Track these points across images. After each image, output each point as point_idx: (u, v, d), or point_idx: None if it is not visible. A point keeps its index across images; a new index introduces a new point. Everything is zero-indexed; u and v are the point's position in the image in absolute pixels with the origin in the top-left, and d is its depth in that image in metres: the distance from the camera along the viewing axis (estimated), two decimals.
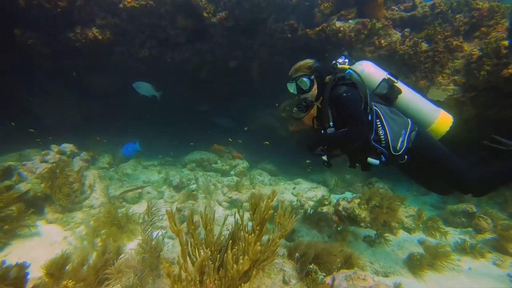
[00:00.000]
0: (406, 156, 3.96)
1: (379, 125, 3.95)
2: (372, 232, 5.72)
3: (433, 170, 4.09)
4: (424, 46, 7.21)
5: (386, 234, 5.57)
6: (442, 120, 4.14)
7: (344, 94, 3.87)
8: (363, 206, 5.55)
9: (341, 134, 3.80)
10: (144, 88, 8.44)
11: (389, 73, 4.24)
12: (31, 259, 4.37)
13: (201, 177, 8.54)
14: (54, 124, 10.65)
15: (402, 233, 6.19)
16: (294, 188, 7.92)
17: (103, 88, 10.17)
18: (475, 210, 6.51)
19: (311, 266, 3.71)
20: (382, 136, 3.93)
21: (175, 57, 9.46)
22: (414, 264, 4.82)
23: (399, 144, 3.89)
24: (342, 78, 4.17)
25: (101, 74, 9.96)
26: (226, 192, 7.64)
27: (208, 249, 2.61)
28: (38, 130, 10.42)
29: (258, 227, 2.77)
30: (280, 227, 2.83)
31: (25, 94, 11.15)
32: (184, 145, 11.23)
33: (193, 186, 8.43)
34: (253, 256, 2.30)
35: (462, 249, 5.45)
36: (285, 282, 3.36)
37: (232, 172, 9.51)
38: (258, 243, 2.43)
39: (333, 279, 3.50)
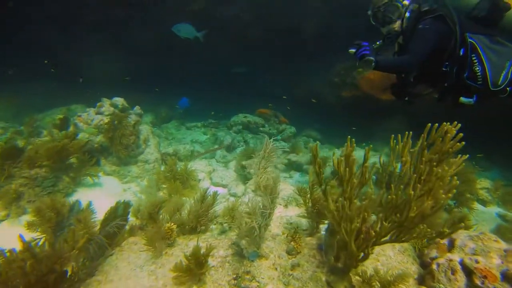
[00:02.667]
0: (509, 88, 3.44)
1: (475, 60, 3.42)
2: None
3: None
4: None
5: (472, 203, 5.15)
6: None
7: (421, 26, 3.45)
8: None
9: (395, 60, 3.57)
10: (185, 30, 7.80)
11: None
12: (97, 208, 4.21)
13: (250, 139, 8.19)
14: (96, 79, 10.36)
15: (477, 205, 5.78)
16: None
17: (148, 45, 9.71)
18: None
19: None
20: (479, 73, 3.40)
21: (225, 12, 8.81)
22: (505, 236, 4.44)
23: (501, 79, 3.33)
24: (427, 11, 3.67)
25: (148, 29, 9.45)
26: (280, 154, 7.28)
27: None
28: (80, 85, 10.17)
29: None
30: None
31: (66, 48, 10.82)
32: (224, 108, 10.85)
33: (242, 148, 8.12)
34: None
35: None
36: None
37: (279, 137, 9.14)
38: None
39: (452, 240, 3.15)
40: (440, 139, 2.25)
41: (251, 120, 9.14)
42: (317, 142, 2.74)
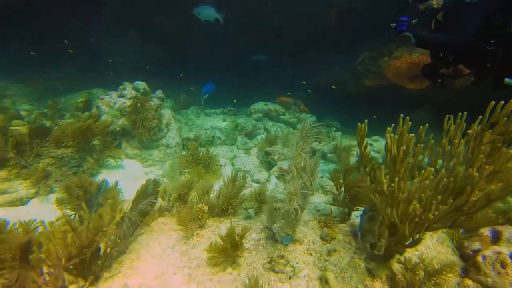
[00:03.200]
0: None
1: None
2: None
3: None
4: None
5: None
6: None
7: (469, 1, 3.23)
8: None
9: (445, 37, 3.33)
10: (205, 12, 7.60)
11: None
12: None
13: (271, 127, 8.03)
14: (118, 64, 10.35)
15: None
16: (371, 145, 7.27)
17: (168, 31, 9.58)
18: None
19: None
20: None
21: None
22: None
23: None
24: None
25: (169, 16, 9.31)
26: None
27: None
28: (101, 69, 10.18)
29: None
30: None
31: (88, 33, 10.82)
32: (243, 96, 10.69)
33: (263, 136, 7.97)
34: None
35: None
36: None
37: (299, 126, 8.91)
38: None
39: (497, 232, 2.95)
40: (506, 118, 2.04)
41: (272, 108, 8.95)
42: (365, 120, 2.55)
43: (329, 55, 9.86)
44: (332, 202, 3.79)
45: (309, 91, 9.02)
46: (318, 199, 4.70)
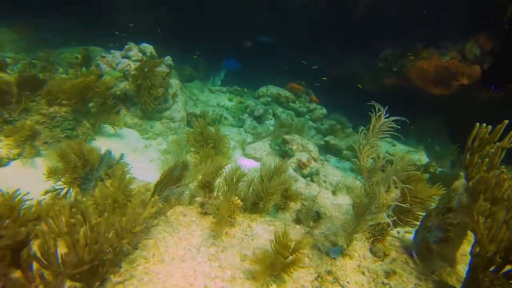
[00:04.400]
0: None
1: None
2: None
3: None
4: None
5: None
6: None
7: None
8: None
9: None
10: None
11: None
12: None
13: (281, 113, 7.42)
14: (123, 24, 9.24)
15: None
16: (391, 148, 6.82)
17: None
18: None
19: None
20: None
21: None
22: None
23: None
24: None
25: None
26: (314, 134, 6.58)
27: None
28: (105, 27, 9.08)
29: None
30: None
31: None
32: (250, 78, 9.94)
33: (271, 121, 7.36)
34: None
35: None
36: None
37: (308, 116, 8.36)
38: None
39: None
40: None
41: (282, 94, 8.31)
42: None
43: (349, 48, 9.22)
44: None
45: (324, 78, 8.37)
46: (342, 200, 4.18)
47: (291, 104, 8.27)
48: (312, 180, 4.43)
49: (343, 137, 6.53)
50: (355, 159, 2.58)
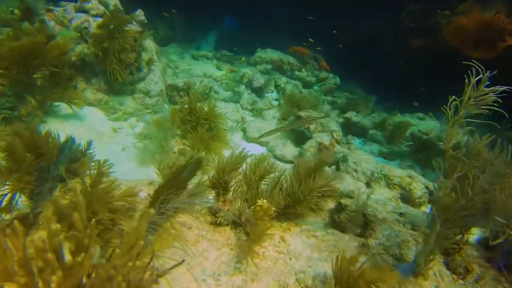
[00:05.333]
0: None
1: None
2: None
3: None
4: None
5: None
6: None
7: None
8: None
9: None
10: None
11: None
12: None
13: (286, 84, 7.00)
14: None
15: None
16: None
17: None
18: None
19: None
20: None
21: None
22: None
23: None
24: None
25: None
26: (328, 110, 6.24)
27: None
28: None
29: None
30: None
31: None
32: (243, 40, 9.35)
33: (274, 94, 6.95)
34: None
35: None
36: None
37: (317, 87, 7.96)
38: None
39: None
40: None
41: (284, 60, 7.86)
42: None
43: (365, 3, 8.75)
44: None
45: (340, 46, 7.95)
46: (380, 195, 3.86)
47: (297, 72, 7.84)
48: (338, 169, 4.08)
49: (366, 113, 6.19)
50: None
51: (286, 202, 2.33)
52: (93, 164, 2.86)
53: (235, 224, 2.20)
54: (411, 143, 5.53)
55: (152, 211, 1.43)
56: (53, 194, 2.51)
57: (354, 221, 2.60)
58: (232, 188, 2.33)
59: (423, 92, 6.91)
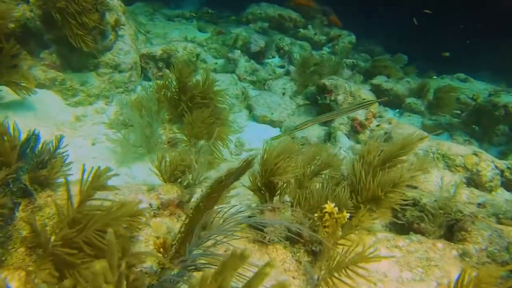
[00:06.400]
0: None
1: None
2: None
3: None
4: None
5: None
6: None
7: None
8: None
9: None
10: None
11: None
12: None
13: (291, 46, 6.72)
14: None
15: None
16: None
17: None
18: None
19: None
20: None
21: None
22: None
23: None
24: None
25: None
26: (350, 76, 6.01)
27: None
28: None
29: None
30: None
31: None
32: None
33: (276, 60, 6.68)
34: None
35: None
36: None
37: (327, 49, 7.69)
38: None
39: None
40: None
41: (285, 15, 7.53)
42: None
43: None
44: None
45: None
46: (438, 178, 3.63)
47: (302, 30, 7.54)
48: None
49: (398, 78, 5.96)
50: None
51: (353, 203, 2.05)
52: (67, 168, 2.56)
53: (290, 241, 1.91)
54: (458, 111, 5.35)
55: None
56: (14, 216, 2.15)
57: (435, 220, 2.35)
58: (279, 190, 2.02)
59: (467, 45, 6.82)
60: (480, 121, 5.01)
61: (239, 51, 6.13)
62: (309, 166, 2.04)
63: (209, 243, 1.52)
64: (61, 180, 2.52)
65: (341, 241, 1.82)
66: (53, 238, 1.90)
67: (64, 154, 2.59)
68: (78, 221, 1.90)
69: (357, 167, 2.12)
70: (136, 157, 4.22)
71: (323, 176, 2.22)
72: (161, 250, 1.84)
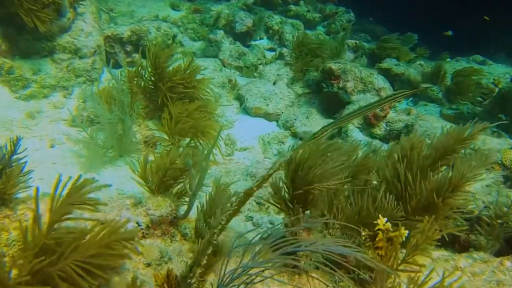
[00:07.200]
0: None
1: None
2: None
3: None
4: None
5: None
6: None
7: None
8: None
9: None
10: None
11: None
12: None
13: (282, 26, 6.64)
14: None
15: None
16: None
17: None
18: None
19: None
20: None
21: None
22: None
23: None
24: None
25: None
26: (353, 58, 6.00)
27: None
28: None
29: None
30: None
31: None
32: None
33: (264, 41, 6.63)
34: None
35: None
36: None
37: (321, 28, 7.67)
38: None
39: None
40: None
41: None
42: None
43: None
44: None
45: None
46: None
47: (293, 7, 7.52)
48: None
49: (408, 61, 5.97)
50: None
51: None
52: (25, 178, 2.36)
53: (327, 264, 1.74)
54: (481, 99, 5.36)
55: None
56: None
57: (492, 232, 2.24)
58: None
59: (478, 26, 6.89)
60: (506, 109, 5.01)
61: (222, 32, 6.05)
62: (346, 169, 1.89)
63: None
64: (21, 195, 2.33)
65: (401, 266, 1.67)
66: (14, 272, 1.68)
67: (21, 161, 2.40)
68: (49, 250, 1.70)
69: (400, 168, 1.97)
70: (106, 161, 4.09)
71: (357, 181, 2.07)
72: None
